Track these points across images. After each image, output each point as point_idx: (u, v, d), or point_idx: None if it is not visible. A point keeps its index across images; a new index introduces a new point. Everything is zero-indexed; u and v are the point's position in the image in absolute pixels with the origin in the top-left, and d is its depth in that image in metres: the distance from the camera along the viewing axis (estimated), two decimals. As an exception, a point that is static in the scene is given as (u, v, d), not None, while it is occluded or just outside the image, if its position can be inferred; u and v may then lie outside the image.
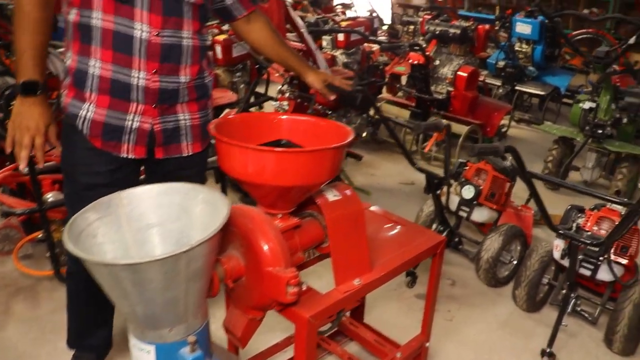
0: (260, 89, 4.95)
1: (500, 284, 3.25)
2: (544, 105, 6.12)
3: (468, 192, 3.28)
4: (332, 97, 2.28)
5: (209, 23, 4.43)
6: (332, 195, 1.85)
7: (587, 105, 4.31)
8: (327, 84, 2.26)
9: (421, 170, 3.07)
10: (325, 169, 1.59)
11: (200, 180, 2.21)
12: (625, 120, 4.48)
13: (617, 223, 2.46)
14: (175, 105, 1.93)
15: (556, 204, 4.50)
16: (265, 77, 4.68)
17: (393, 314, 2.97)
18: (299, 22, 4.43)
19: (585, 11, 9.50)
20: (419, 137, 4.93)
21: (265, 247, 1.50)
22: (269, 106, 4.61)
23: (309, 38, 3.73)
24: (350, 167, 4.69)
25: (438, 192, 3.16)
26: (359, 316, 2.56)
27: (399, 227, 2.20)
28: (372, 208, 2.31)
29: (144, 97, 1.82)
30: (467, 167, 3.38)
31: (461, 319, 2.97)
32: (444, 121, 2.65)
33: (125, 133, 1.85)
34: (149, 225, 1.46)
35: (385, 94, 6.14)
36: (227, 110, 4.31)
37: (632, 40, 4.41)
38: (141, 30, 1.73)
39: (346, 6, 8.42)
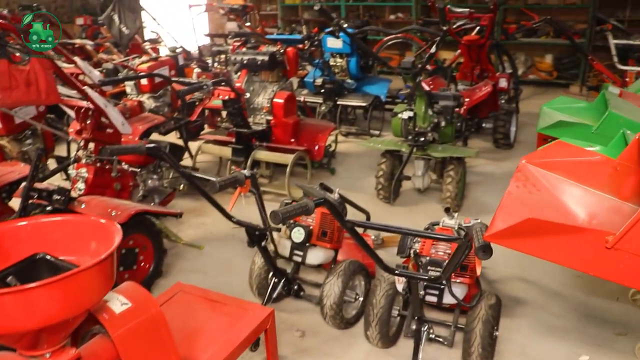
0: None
1: (351, 324, 3.02)
2: (369, 115, 6.11)
3: (298, 234, 3.02)
4: None
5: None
6: (118, 305, 1.50)
7: (405, 115, 4.27)
8: None
9: (239, 223, 2.74)
10: (88, 293, 1.25)
11: None
12: (443, 123, 4.53)
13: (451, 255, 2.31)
14: None
15: (394, 217, 4.47)
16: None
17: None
18: (92, 76, 3.95)
19: (392, 17, 9.87)
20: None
21: None
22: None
23: (94, 95, 3.26)
24: (175, 222, 4.25)
25: (263, 243, 2.85)
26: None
27: (221, 307, 1.89)
28: (187, 289, 1.98)
29: None
30: (293, 207, 3.11)
31: (317, 376, 2.69)
32: (245, 172, 2.35)
33: None
34: None
35: (207, 129, 5.79)
36: (23, 185, 3.69)
37: (433, 50, 4.47)
38: None
39: (155, 42, 7.95)
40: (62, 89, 3.47)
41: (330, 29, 5.54)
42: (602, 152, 1.99)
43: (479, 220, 1.99)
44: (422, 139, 4.28)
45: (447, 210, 2.93)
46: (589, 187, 1.80)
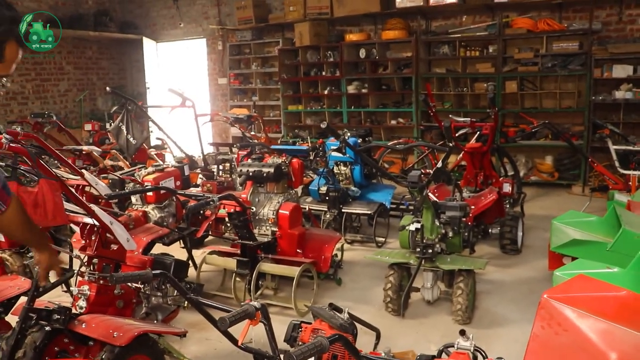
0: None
1: None
2: (374, 222, 6.09)
3: (307, 360, 2.89)
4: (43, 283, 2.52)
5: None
6: None
7: (413, 227, 4.25)
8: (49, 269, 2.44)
9: (247, 350, 2.62)
10: None
11: None
12: (450, 234, 4.49)
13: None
14: None
15: (404, 331, 4.32)
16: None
17: None
18: (100, 189, 3.95)
19: (393, 122, 10.11)
20: (251, 284, 4.53)
21: None
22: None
23: (100, 213, 3.24)
24: (178, 338, 4.10)
25: (273, 371, 2.71)
26: None
27: None
28: None
29: None
30: (302, 329, 3.00)
31: None
32: (255, 303, 2.27)
33: None
34: None
35: (210, 237, 5.75)
36: (22, 301, 3.59)
37: (439, 164, 4.52)
38: None
39: (160, 148, 8.08)
40: (67, 204, 3.46)
41: (333, 143, 5.65)
42: (622, 275, 1.93)
43: (502, 360, 1.88)
44: (431, 250, 4.24)
45: (462, 332, 2.81)
46: (617, 324, 1.72)
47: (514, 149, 8.51)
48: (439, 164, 4.41)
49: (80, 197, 3.39)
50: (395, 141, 7.39)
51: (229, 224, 4.91)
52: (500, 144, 7.40)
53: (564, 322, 1.71)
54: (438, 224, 4.42)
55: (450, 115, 5.84)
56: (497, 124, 5.97)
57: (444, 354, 2.84)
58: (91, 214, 3.24)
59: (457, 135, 6.16)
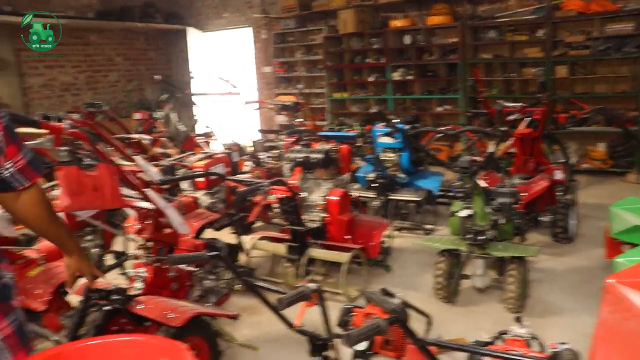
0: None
1: None
2: (422, 209, 6.04)
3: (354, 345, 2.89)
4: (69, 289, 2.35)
5: None
6: None
7: (464, 213, 4.19)
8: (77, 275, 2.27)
9: (301, 332, 2.65)
10: None
11: None
12: (502, 220, 4.42)
13: None
14: None
15: (454, 318, 4.28)
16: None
17: None
18: (151, 175, 4.02)
19: (439, 109, 9.99)
20: (300, 270, 4.56)
21: None
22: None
23: (155, 197, 3.31)
24: (230, 320, 4.17)
25: (325, 352, 2.73)
26: None
27: None
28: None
29: None
30: (354, 314, 3.00)
31: None
32: (311, 285, 2.29)
33: None
34: None
35: (259, 223, 5.80)
36: (81, 281, 3.71)
37: (492, 148, 4.43)
38: None
39: (207, 136, 8.19)
40: (123, 189, 3.54)
41: (382, 127, 5.60)
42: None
43: (567, 345, 1.84)
44: (481, 237, 4.18)
45: (517, 319, 2.77)
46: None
47: (564, 135, 8.28)
48: (491, 149, 4.33)
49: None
50: (444, 128, 7.27)
51: (277, 210, 4.95)
52: (550, 131, 7.21)
53: (632, 308, 1.66)
54: (489, 211, 4.36)
55: (498, 101, 5.72)
56: (549, 108, 5.81)
57: (498, 340, 2.81)
58: (146, 198, 3.31)
59: (507, 120, 6.02)
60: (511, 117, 6.16)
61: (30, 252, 3.70)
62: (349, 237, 4.75)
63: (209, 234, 4.76)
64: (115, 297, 3.09)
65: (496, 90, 9.29)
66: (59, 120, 3.37)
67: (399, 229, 6.07)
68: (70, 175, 2.83)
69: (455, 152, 8.40)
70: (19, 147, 1.82)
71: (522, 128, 5.98)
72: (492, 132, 5.40)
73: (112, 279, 4.27)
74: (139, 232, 3.65)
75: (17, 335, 1.65)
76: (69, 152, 2.98)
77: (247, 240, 5.05)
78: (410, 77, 10.21)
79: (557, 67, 8.78)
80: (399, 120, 6.16)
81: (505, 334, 2.81)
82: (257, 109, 8.86)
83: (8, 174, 1.78)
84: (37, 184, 1.94)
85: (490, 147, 4.39)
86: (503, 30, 9.21)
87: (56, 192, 4.25)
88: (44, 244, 4.00)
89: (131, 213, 3.75)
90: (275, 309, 2.53)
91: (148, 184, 3.56)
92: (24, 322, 1.74)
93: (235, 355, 3.79)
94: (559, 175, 5.94)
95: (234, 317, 3.47)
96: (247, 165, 6.50)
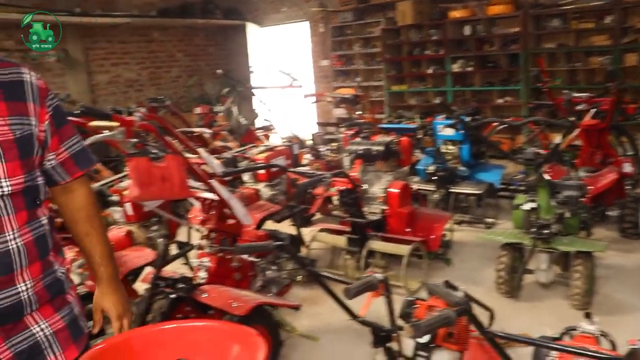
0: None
1: None
2: (483, 203, 5.94)
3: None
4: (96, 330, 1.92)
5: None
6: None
7: (527, 206, 4.10)
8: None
9: (365, 323, 2.66)
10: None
11: None
12: (567, 214, 4.29)
13: None
14: (22, 320, 1.51)
15: (517, 313, 4.20)
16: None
17: None
18: (214, 167, 4.12)
19: (500, 101, 9.77)
20: (360, 262, 4.57)
21: None
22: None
23: (219, 188, 3.39)
24: (291, 311, 4.22)
25: (388, 344, 2.73)
26: None
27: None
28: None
29: None
30: (417, 306, 2.99)
31: None
32: (378, 275, 2.30)
33: None
34: None
35: (318, 216, 5.84)
36: (147, 270, 3.85)
37: (558, 140, 4.31)
38: None
39: (267, 129, 8.30)
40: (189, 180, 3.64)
41: (443, 119, 5.54)
42: None
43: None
44: (546, 231, 4.08)
45: (587, 315, 2.70)
46: None
47: (633, 127, 7.93)
48: (558, 140, 4.21)
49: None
50: (509, 119, 7.10)
51: (337, 202, 4.98)
52: (618, 122, 6.94)
53: None
54: (554, 204, 4.24)
55: (565, 91, 5.54)
56: (617, 98, 5.59)
57: (566, 336, 2.74)
58: (211, 189, 3.39)
59: (575, 111, 5.83)
60: (579, 107, 5.96)
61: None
62: (409, 229, 4.72)
63: (268, 225, 4.82)
64: (181, 285, 3.19)
65: (559, 81, 8.99)
66: (129, 113, 3.49)
67: (459, 223, 5.99)
68: (140, 166, 2.93)
69: (516, 144, 8.19)
70: (64, 138, 1.67)
71: (588, 119, 5.78)
72: (560, 122, 5.22)
73: (176, 269, 4.41)
74: (203, 222, 3.74)
75: (69, 330, 1.64)
76: (138, 144, 3.09)
77: (307, 232, 5.09)
78: (470, 69, 10.03)
79: (626, 55, 8.43)
80: (461, 112, 6.07)
81: (574, 330, 2.74)
82: (315, 102, 8.90)
83: (50, 166, 1.65)
84: (84, 184, 1.79)
85: (557, 139, 4.26)
86: (567, 18, 8.91)
87: (125, 184, 4.42)
88: (113, 233, 4.17)
89: (195, 204, 3.85)
90: (339, 299, 2.56)
91: (212, 176, 3.65)
92: (79, 317, 1.71)
93: (296, 346, 3.84)
94: (627, 168, 5.71)
95: (296, 308, 3.52)
96: (306, 158, 6.55)
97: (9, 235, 1.46)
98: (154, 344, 1.62)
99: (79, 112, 3.24)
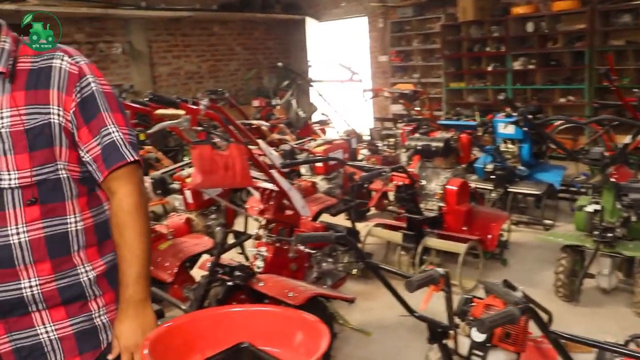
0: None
1: None
2: (542, 204, 5.80)
3: (479, 333, 2.85)
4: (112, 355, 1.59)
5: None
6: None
7: (591, 208, 3.98)
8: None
9: (422, 318, 2.65)
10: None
11: None
12: (633, 218, 4.15)
13: None
14: (27, 317, 1.46)
15: (577, 319, 4.08)
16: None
17: None
18: (273, 158, 4.17)
19: (562, 100, 9.50)
20: (415, 259, 4.55)
21: None
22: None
23: (280, 179, 3.43)
24: (344, 304, 4.24)
25: (444, 341, 2.72)
26: None
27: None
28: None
29: None
30: (474, 304, 2.96)
31: None
32: (440, 270, 2.29)
33: None
34: None
35: (373, 211, 5.83)
36: (204, 257, 3.95)
37: (628, 140, 4.16)
38: None
39: (324, 123, 8.33)
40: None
41: (504, 117, 5.42)
42: None
43: None
44: (610, 234, 3.95)
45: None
46: None
47: None
48: (628, 140, 4.06)
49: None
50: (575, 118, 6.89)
51: (393, 198, 4.96)
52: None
53: None
54: (620, 207, 4.11)
55: (634, 90, 5.32)
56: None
57: (631, 344, 2.66)
58: (272, 179, 3.44)
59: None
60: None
61: (161, 228, 3.98)
62: (466, 228, 4.66)
63: (324, 218, 4.85)
64: (238, 273, 3.24)
65: (627, 80, 8.66)
66: (194, 103, 3.57)
67: (517, 223, 5.86)
68: (204, 154, 3.00)
69: (578, 145, 7.95)
70: (95, 130, 1.48)
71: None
72: (630, 121, 5.02)
73: (232, 258, 4.50)
74: (261, 212, 3.80)
75: (77, 340, 1.53)
76: (203, 132, 3.16)
77: (362, 227, 5.10)
78: (531, 67, 9.78)
79: None
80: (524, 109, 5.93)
81: (639, 338, 2.65)
82: (373, 97, 8.88)
83: (86, 161, 1.50)
84: (123, 186, 1.52)
85: (626, 139, 4.11)
86: (639, 14, 8.54)
87: (186, 172, 4.53)
88: (172, 220, 4.28)
89: (255, 194, 3.91)
90: (397, 293, 2.56)
91: (271, 167, 3.70)
92: (101, 329, 1.59)
93: (348, 339, 3.86)
94: (699, 172, 5.47)
95: (350, 301, 3.53)
96: (363, 153, 6.55)
97: (11, 229, 1.39)
98: (219, 325, 1.66)
99: (148, 99, 3.33)
